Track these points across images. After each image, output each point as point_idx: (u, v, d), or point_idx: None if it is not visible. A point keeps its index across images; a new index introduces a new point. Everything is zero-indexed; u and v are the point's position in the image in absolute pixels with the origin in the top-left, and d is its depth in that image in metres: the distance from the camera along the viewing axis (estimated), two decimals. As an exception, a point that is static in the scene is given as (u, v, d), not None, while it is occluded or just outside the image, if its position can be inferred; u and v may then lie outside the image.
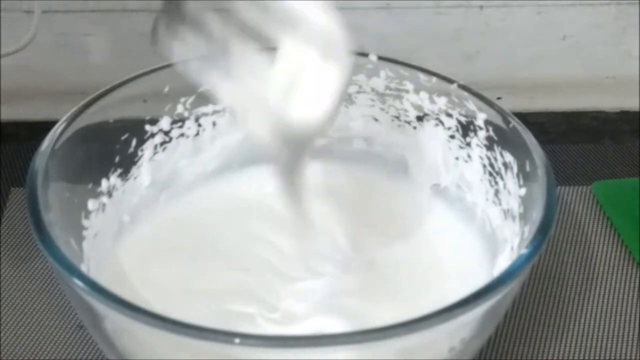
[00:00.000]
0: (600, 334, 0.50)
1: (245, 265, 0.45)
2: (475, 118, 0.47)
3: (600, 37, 0.68)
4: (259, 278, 0.44)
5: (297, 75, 0.37)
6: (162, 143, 0.49)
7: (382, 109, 0.50)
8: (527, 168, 0.43)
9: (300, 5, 0.35)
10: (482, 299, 0.36)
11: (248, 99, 0.37)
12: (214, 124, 0.50)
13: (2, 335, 0.48)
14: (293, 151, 0.39)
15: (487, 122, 0.47)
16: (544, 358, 0.49)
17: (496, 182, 0.46)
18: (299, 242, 0.44)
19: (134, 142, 0.47)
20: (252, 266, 0.45)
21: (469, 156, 0.48)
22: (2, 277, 0.52)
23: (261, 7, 0.36)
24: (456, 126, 0.48)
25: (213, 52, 0.37)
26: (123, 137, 0.47)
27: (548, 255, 0.54)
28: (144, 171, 0.48)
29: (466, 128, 0.48)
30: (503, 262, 0.42)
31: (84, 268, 0.41)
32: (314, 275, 0.45)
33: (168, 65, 0.47)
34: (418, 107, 0.49)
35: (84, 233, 0.43)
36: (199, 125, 0.50)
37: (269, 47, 0.38)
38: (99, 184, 0.45)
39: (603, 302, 0.52)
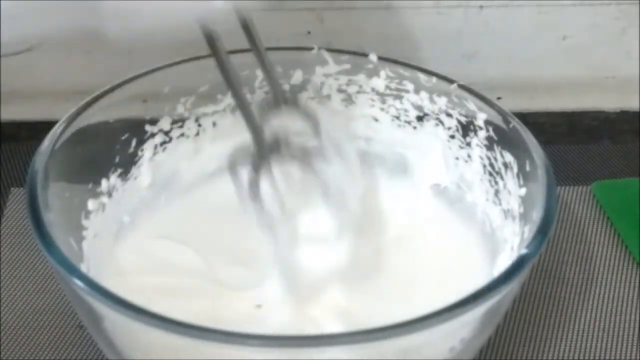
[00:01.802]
0: (600, 334, 0.50)
1: (244, 260, 0.45)
2: (475, 118, 0.47)
3: (600, 37, 0.68)
4: (258, 274, 0.45)
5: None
6: (162, 143, 0.49)
7: (382, 109, 0.51)
8: (527, 168, 0.43)
9: None
10: (482, 299, 0.36)
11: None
12: (214, 124, 0.50)
13: (2, 335, 0.48)
14: None
15: (487, 122, 0.47)
16: (544, 358, 0.49)
17: (496, 182, 0.46)
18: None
19: (134, 142, 0.47)
20: (250, 261, 0.45)
21: (469, 156, 0.48)
22: (2, 277, 0.52)
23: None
24: (456, 126, 0.48)
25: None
26: (123, 137, 0.47)
27: (548, 255, 0.54)
28: (144, 171, 0.48)
29: (466, 128, 0.48)
30: (503, 262, 0.42)
31: (84, 268, 0.41)
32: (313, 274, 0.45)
33: (168, 65, 0.47)
34: (418, 107, 0.49)
35: (84, 233, 0.43)
36: (199, 125, 0.50)
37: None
38: (99, 184, 0.45)
39: (603, 302, 0.52)
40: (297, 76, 0.50)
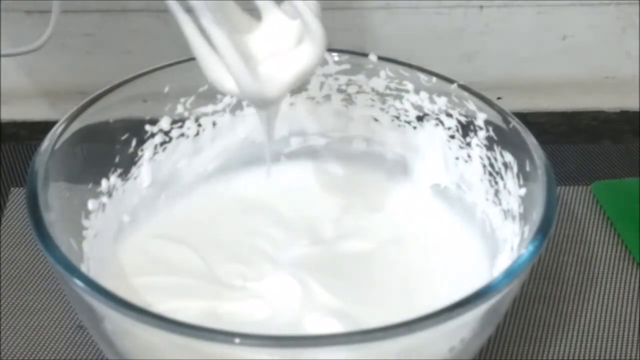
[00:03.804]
0: (600, 334, 0.50)
1: (244, 260, 0.46)
2: (475, 118, 0.47)
3: (600, 37, 0.68)
4: (258, 273, 0.45)
5: (272, 45, 0.40)
6: (162, 143, 0.49)
7: (382, 109, 0.51)
8: (527, 168, 0.43)
9: None
10: (482, 299, 0.36)
11: (224, 48, 0.38)
12: (214, 124, 0.50)
13: (2, 335, 0.48)
14: (256, 105, 0.41)
15: (487, 122, 0.47)
16: (544, 358, 0.49)
17: (496, 182, 0.46)
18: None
19: (134, 142, 0.47)
20: (250, 261, 0.45)
21: (469, 156, 0.48)
22: (2, 277, 0.52)
23: None
24: (456, 126, 0.48)
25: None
26: (123, 137, 0.47)
27: (548, 255, 0.54)
28: (144, 171, 0.48)
29: (466, 128, 0.48)
30: (503, 262, 0.42)
31: (84, 268, 0.41)
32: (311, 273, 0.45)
33: (168, 65, 0.47)
34: (418, 107, 0.49)
35: (84, 233, 0.43)
36: (199, 125, 0.50)
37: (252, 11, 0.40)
38: (99, 184, 0.45)
39: (603, 302, 0.52)
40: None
